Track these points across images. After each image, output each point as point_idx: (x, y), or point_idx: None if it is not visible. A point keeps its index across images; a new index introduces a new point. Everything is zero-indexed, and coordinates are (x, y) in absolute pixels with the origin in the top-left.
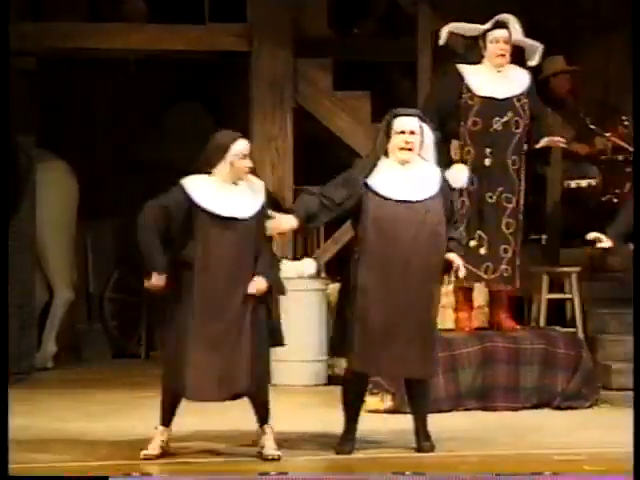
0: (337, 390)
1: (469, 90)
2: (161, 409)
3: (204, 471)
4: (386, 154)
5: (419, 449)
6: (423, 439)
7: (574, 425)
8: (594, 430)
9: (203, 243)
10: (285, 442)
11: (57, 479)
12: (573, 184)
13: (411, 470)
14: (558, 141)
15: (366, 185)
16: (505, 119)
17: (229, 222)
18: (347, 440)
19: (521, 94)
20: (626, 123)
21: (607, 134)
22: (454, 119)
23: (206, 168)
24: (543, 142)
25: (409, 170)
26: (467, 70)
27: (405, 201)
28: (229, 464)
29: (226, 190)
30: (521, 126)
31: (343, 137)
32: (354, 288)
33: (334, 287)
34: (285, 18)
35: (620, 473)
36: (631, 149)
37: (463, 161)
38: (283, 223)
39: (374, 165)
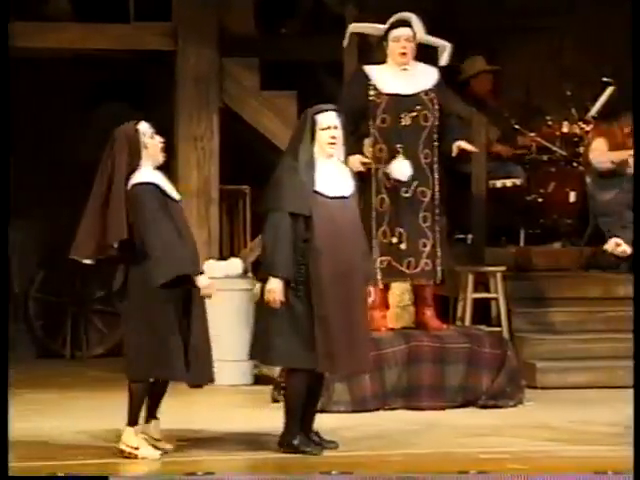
0: (264, 390)
1: (375, 89)
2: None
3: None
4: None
5: (324, 447)
6: (324, 438)
7: (499, 424)
8: (519, 429)
9: None
10: (212, 442)
11: (57, 479)
12: (498, 184)
13: (338, 469)
14: (467, 147)
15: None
16: (413, 114)
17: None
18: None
19: (428, 89)
20: (550, 123)
21: (531, 134)
22: (364, 119)
23: (136, 161)
24: (455, 149)
25: (337, 166)
26: (372, 70)
27: (341, 197)
28: (153, 464)
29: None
30: (430, 119)
31: (269, 136)
32: (308, 290)
33: (259, 287)
34: (211, 17)
35: (544, 472)
36: (554, 149)
37: (377, 159)
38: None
39: (314, 165)
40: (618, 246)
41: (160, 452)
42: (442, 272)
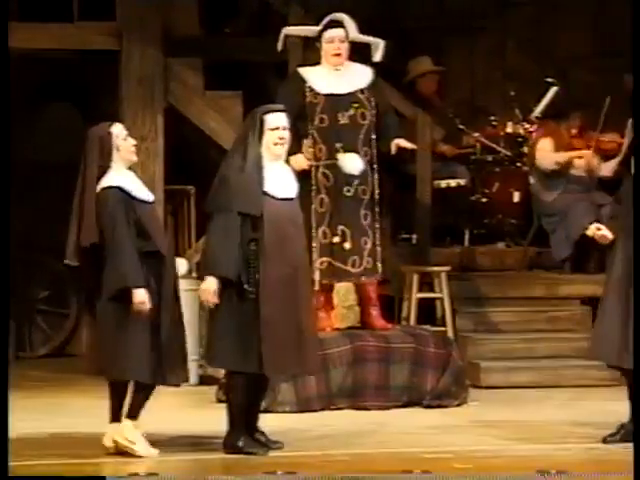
0: (208, 390)
1: (312, 90)
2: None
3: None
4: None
5: (270, 448)
6: (270, 438)
7: (443, 423)
8: (463, 428)
9: None
10: (156, 442)
11: (57, 479)
12: (443, 184)
13: (283, 470)
14: (406, 145)
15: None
16: (350, 112)
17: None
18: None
19: (364, 88)
20: (494, 123)
21: (476, 134)
22: (302, 120)
23: (107, 163)
24: (393, 147)
25: (283, 167)
26: (308, 71)
27: (288, 199)
28: (91, 465)
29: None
30: (367, 117)
31: (214, 137)
32: (256, 292)
33: None
34: (155, 17)
35: (488, 471)
36: (499, 149)
37: (316, 159)
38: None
39: (262, 166)
40: (599, 230)
41: (157, 451)
42: (383, 270)
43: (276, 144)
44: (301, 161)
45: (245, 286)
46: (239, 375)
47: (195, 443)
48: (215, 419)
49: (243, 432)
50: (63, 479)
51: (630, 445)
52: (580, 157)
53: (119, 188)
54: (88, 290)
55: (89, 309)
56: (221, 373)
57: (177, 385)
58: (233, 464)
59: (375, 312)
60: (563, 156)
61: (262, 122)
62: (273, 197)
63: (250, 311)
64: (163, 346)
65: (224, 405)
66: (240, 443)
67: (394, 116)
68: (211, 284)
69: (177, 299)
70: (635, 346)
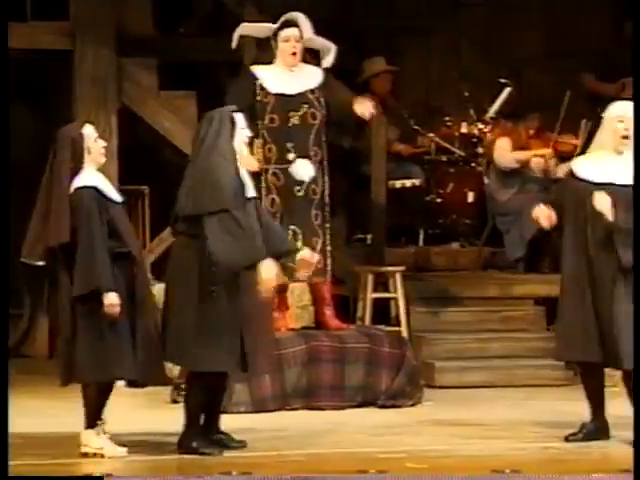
0: (162, 390)
1: (262, 89)
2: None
3: None
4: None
5: (228, 447)
6: (233, 438)
7: (398, 423)
8: (417, 428)
9: None
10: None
11: (57, 479)
12: (398, 184)
13: (237, 470)
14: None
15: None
16: (301, 112)
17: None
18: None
19: (315, 88)
20: (448, 124)
21: (430, 134)
22: (252, 119)
23: (78, 164)
24: (357, 109)
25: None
26: (260, 70)
27: (252, 198)
28: (46, 466)
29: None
30: (318, 117)
31: (168, 137)
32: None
33: (160, 287)
34: (109, 17)
35: (442, 471)
36: (453, 149)
37: (266, 159)
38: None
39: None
40: (543, 212)
41: (126, 449)
42: (333, 270)
43: (245, 143)
44: (252, 162)
45: (210, 287)
46: (200, 375)
47: (149, 443)
48: (170, 419)
49: (199, 433)
50: (63, 479)
51: (589, 444)
52: (541, 156)
53: (94, 188)
54: (51, 290)
55: (52, 310)
56: (175, 373)
57: (164, 384)
58: (188, 465)
59: (329, 312)
60: (524, 154)
61: (234, 122)
62: (246, 197)
63: (219, 311)
64: (143, 346)
65: (179, 406)
66: (194, 444)
67: (349, 115)
68: (270, 269)
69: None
70: (635, 346)
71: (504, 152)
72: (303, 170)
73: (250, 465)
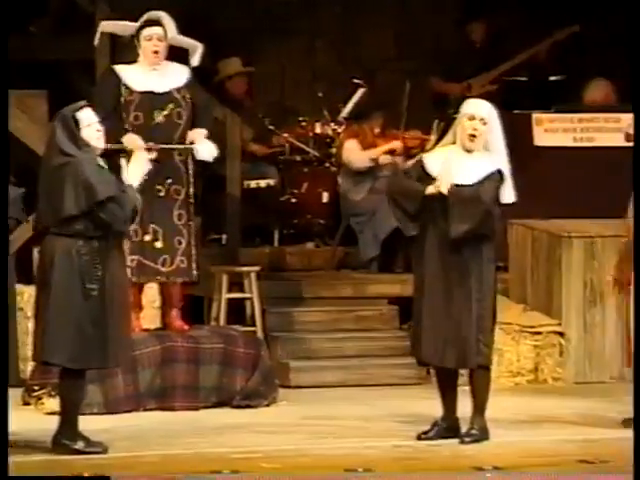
0: (12, 393)
1: (127, 87)
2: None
3: None
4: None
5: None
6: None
7: (253, 423)
8: (272, 428)
9: None
10: None
11: (57, 479)
12: (252, 184)
13: (91, 472)
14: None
15: None
16: (166, 111)
17: None
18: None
19: (181, 87)
20: (303, 124)
21: (285, 135)
22: (119, 118)
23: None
24: (190, 136)
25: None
26: (123, 69)
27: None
28: None
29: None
30: (184, 117)
31: (19, 136)
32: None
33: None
34: None
35: (298, 471)
36: (308, 149)
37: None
38: None
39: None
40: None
41: None
42: (197, 270)
43: (98, 139)
44: (134, 141)
45: (87, 285)
46: (76, 373)
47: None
48: (21, 421)
49: (77, 432)
50: (63, 479)
51: (442, 442)
52: (392, 151)
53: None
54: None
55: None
56: (27, 374)
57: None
58: (38, 466)
59: (175, 313)
60: (375, 151)
61: (76, 120)
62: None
63: (94, 309)
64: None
65: (30, 407)
66: (79, 445)
67: (211, 114)
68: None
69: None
70: (635, 346)
71: (355, 152)
72: (206, 151)
73: (104, 467)
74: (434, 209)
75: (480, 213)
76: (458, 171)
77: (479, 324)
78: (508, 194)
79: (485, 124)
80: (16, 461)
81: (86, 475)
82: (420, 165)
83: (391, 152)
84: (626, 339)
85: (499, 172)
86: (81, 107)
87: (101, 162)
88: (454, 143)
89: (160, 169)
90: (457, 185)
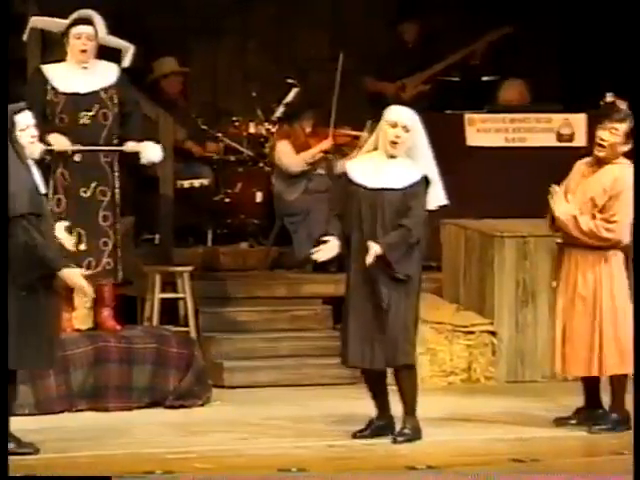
0: None
1: (53, 88)
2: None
3: None
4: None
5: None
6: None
7: (186, 423)
8: (206, 428)
9: None
10: None
11: (57, 479)
12: (186, 184)
13: (22, 473)
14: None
15: None
16: (92, 112)
17: None
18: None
19: (108, 87)
20: (236, 124)
21: (219, 135)
22: (46, 120)
23: None
24: (130, 147)
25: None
26: (51, 69)
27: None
28: None
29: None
30: (110, 118)
31: None
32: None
33: None
34: None
35: (231, 471)
36: (241, 149)
37: (55, 159)
38: None
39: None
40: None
41: None
42: (123, 272)
43: (32, 143)
44: (62, 141)
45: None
46: (15, 373)
47: None
48: None
49: (9, 433)
50: (63, 479)
51: (376, 442)
52: (325, 151)
53: None
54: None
55: None
56: None
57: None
58: None
59: (107, 313)
60: (308, 155)
61: (13, 123)
62: (39, 194)
63: (31, 310)
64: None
65: None
66: (10, 446)
67: (140, 115)
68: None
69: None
70: (635, 346)
71: (289, 156)
72: (151, 153)
73: (35, 467)
74: (360, 212)
75: (411, 241)
76: (387, 179)
77: (406, 324)
78: (439, 197)
79: (407, 131)
80: None
81: (84, 475)
82: (345, 173)
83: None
84: (560, 340)
85: (425, 179)
86: (20, 110)
87: (32, 168)
88: (376, 149)
89: (85, 171)
90: (386, 189)
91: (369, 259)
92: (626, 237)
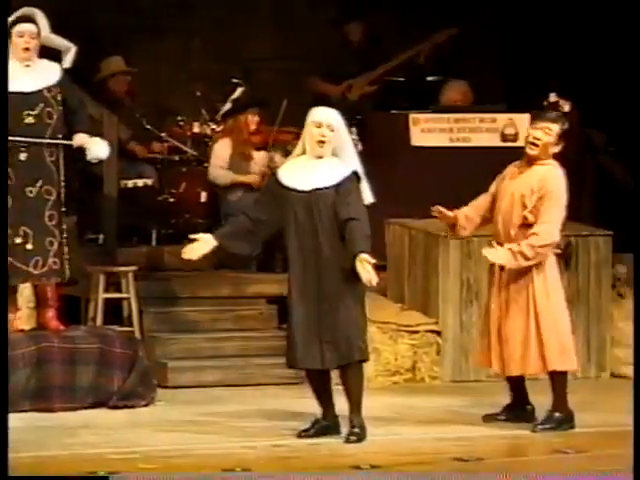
0: None
1: None
2: None
3: None
4: None
5: None
6: None
7: (130, 424)
8: (150, 428)
9: None
10: None
11: (57, 479)
12: (130, 183)
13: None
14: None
15: None
16: (36, 111)
17: None
18: None
19: (52, 85)
20: (181, 124)
21: (163, 134)
22: None
23: None
24: (78, 141)
25: None
26: None
27: None
28: None
29: None
30: (54, 116)
31: None
32: None
33: None
34: None
35: (176, 471)
36: (185, 149)
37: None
38: None
39: None
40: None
41: None
42: (71, 271)
43: None
44: None
45: None
46: None
47: None
48: None
49: None
50: (63, 479)
51: (321, 441)
52: (264, 146)
53: None
54: None
55: None
56: None
57: None
58: None
59: (51, 313)
60: (236, 177)
61: None
62: None
63: None
64: None
65: None
66: None
67: (85, 112)
68: None
69: None
70: (635, 346)
71: (216, 168)
72: (98, 149)
73: None
74: (296, 215)
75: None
76: (317, 179)
77: (356, 320)
78: (366, 195)
79: (332, 130)
80: None
81: (85, 475)
82: (275, 179)
83: (262, 147)
84: (495, 339)
85: (355, 173)
86: None
87: None
88: (304, 153)
89: (30, 170)
90: (318, 189)
91: (369, 275)
92: (557, 236)
